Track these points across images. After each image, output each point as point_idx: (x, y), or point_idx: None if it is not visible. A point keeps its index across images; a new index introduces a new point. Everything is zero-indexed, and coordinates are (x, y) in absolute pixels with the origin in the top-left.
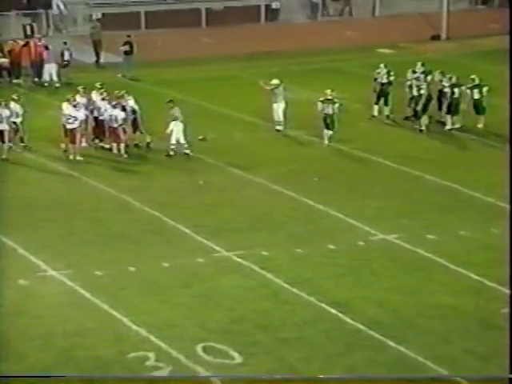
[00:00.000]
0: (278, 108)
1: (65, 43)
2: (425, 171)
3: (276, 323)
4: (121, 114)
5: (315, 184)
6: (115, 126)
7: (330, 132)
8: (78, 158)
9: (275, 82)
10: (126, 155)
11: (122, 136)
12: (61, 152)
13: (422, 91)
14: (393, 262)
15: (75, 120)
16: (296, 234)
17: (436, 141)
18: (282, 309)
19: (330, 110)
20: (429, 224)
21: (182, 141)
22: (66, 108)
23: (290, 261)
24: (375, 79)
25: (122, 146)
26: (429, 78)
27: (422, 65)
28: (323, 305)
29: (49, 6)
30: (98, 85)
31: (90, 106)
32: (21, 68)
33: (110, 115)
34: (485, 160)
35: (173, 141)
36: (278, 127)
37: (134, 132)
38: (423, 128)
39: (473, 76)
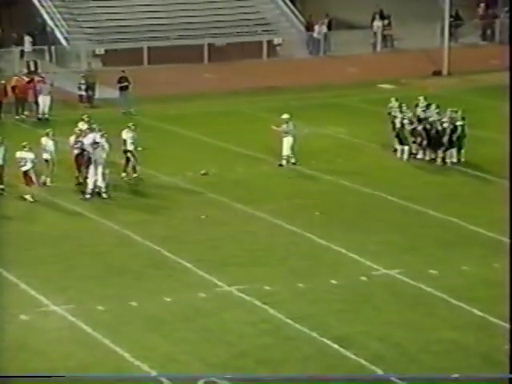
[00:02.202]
0: (286, 142)
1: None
2: (426, 206)
3: (278, 358)
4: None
5: (317, 218)
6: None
7: (406, 147)
8: (29, 198)
9: (285, 116)
10: (105, 195)
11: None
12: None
13: (445, 125)
14: (395, 297)
15: (26, 162)
16: (298, 269)
17: (437, 175)
18: (283, 344)
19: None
20: (431, 259)
21: (100, 183)
22: (19, 151)
23: (292, 296)
24: (389, 113)
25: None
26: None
27: (425, 99)
28: (325, 340)
29: (53, 43)
30: (85, 117)
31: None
32: (25, 104)
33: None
34: (487, 195)
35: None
36: (283, 162)
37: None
38: (454, 160)
39: (455, 109)
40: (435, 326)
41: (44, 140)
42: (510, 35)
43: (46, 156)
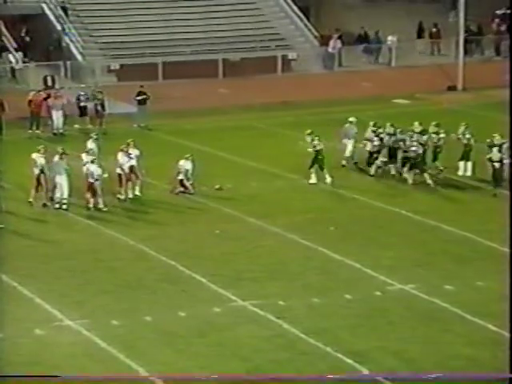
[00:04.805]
0: (348, 144)
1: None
2: (441, 221)
3: (292, 374)
4: (97, 170)
5: (331, 233)
6: (91, 181)
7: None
8: None
9: (351, 119)
10: (105, 208)
11: (99, 191)
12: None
13: (413, 149)
14: (410, 313)
15: None
16: (312, 284)
17: (452, 190)
18: (298, 359)
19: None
20: (446, 274)
21: (66, 195)
22: None
23: (307, 311)
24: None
25: (100, 200)
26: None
27: (420, 124)
28: (340, 355)
29: (68, 58)
30: (93, 135)
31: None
32: (39, 119)
33: (87, 170)
34: (501, 210)
35: (58, 194)
36: (344, 162)
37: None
38: (468, 174)
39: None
40: (450, 341)
41: (35, 156)
42: (510, 48)
43: (36, 172)
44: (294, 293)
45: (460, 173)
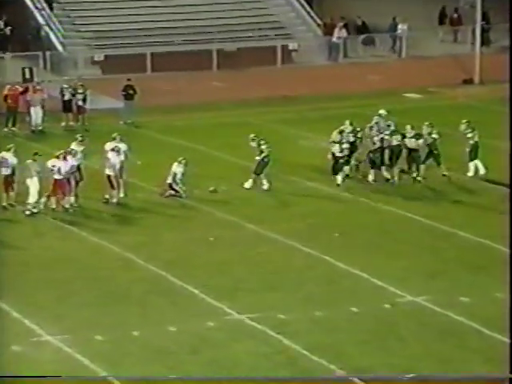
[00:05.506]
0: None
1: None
2: (455, 226)
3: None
4: (64, 166)
5: (335, 240)
6: (59, 177)
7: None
8: None
9: (381, 111)
10: (58, 208)
11: (67, 188)
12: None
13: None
14: (422, 327)
15: None
16: (315, 295)
17: (465, 193)
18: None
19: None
20: (461, 285)
21: (34, 199)
22: None
23: (309, 325)
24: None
25: (72, 198)
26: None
27: (412, 128)
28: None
29: (48, 48)
30: (78, 136)
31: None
32: (16, 115)
33: (53, 166)
34: None
35: (31, 200)
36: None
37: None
38: (481, 172)
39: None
40: (466, 358)
41: (6, 155)
42: (510, 47)
43: (5, 172)
44: (295, 305)
45: (470, 174)
